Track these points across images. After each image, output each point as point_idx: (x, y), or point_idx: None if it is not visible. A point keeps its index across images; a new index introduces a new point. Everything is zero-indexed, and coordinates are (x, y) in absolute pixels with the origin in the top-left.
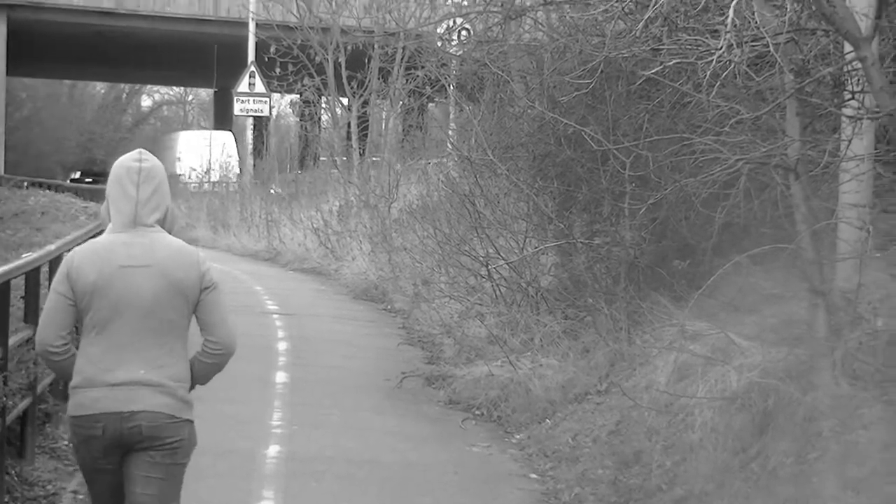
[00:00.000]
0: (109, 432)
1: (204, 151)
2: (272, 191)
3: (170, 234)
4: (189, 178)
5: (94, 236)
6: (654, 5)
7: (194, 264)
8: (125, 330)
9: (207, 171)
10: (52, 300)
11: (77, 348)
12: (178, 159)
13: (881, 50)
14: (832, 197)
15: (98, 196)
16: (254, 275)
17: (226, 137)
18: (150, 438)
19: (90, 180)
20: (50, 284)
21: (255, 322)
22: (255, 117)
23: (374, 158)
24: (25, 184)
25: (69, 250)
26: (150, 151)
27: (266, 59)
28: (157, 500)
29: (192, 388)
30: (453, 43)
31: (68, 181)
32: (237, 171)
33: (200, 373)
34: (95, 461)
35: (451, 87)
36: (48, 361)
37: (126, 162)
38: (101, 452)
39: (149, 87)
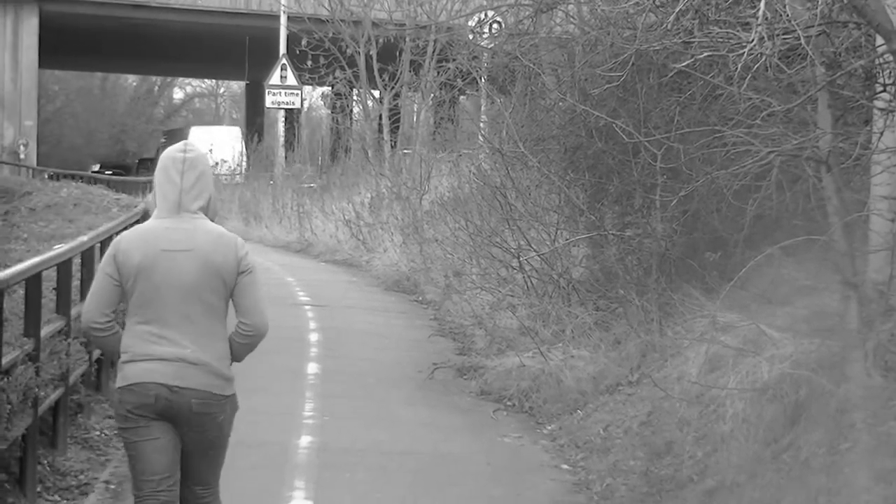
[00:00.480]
0: (161, 401)
1: (215, 146)
2: (309, 185)
3: (212, 221)
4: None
5: (125, 227)
6: None
7: (232, 249)
8: (169, 310)
9: (240, 164)
10: (99, 280)
11: (122, 327)
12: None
13: None
14: (864, 189)
15: (129, 189)
16: (286, 266)
17: (236, 133)
18: (200, 415)
19: (110, 172)
20: (81, 276)
21: (287, 313)
22: (286, 109)
23: (405, 151)
24: (54, 175)
25: (101, 242)
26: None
27: (297, 52)
28: (212, 468)
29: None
30: (484, 36)
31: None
32: (245, 166)
33: (234, 352)
34: (144, 428)
35: (483, 80)
36: (92, 337)
37: (172, 152)
38: (150, 420)
39: (180, 79)
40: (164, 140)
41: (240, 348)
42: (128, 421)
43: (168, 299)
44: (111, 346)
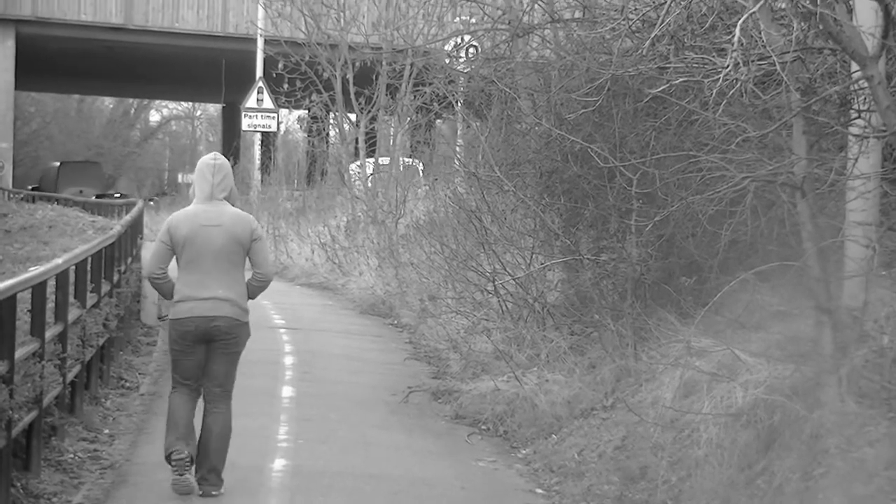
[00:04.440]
0: (200, 328)
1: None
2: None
3: (232, 205)
4: None
5: (101, 251)
6: (661, 24)
7: (248, 224)
8: (206, 265)
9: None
10: (157, 246)
11: (173, 277)
12: None
13: (888, 69)
14: (839, 215)
15: (105, 211)
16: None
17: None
18: (226, 334)
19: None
20: (56, 299)
21: (262, 336)
22: (262, 133)
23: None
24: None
25: (76, 265)
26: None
27: (274, 75)
28: (226, 371)
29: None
30: (461, 60)
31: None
32: None
33: (250, 292)
34: (187, 347)
35: (459, 104)
36: (153, 284)
37: (206, 160)
38: (192, 341)
39: (157, 102)
40: (56, 168)
41: (254, 290)
42: (176, 343)
43: (206, 258)
44: (166, 289)
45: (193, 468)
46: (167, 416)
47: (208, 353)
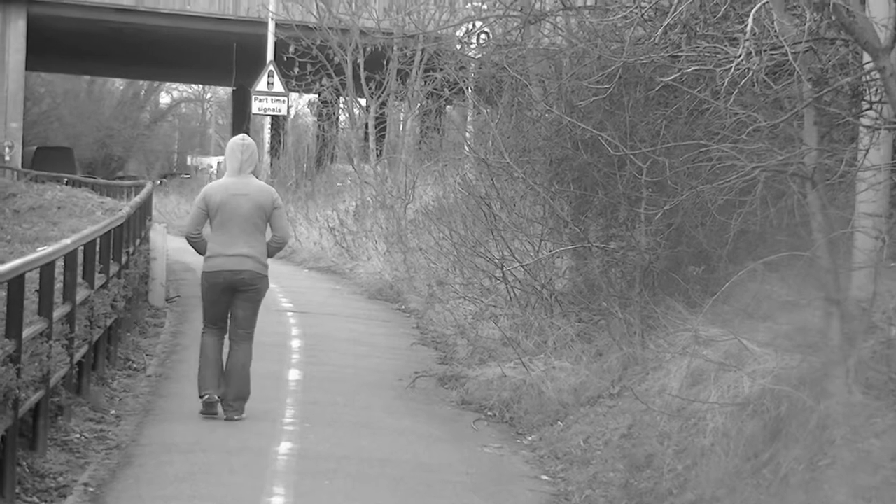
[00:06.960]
0: (227, 280)
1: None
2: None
3: (257, 178)
4: None
5: (109, 232)
6: (674, 12)
7: (270, 194)
8: (234, 228)
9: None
10: (194, 211)
11: (207, 236)
12: None
13: None
14: (848, 206)
15: (114, 192)
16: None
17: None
18: (249, 284)
19: None
20: (64, 279)
21: (269, 320)
22: (272, 116)
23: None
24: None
25: (84, 245)
26: None
27: (285, 59)
28: (249, 316)
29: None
30: (472, 46)
31: None
32: None
33: (270, 251)
34: (216, 296)
35: (469, 90)
36: (190, 243)
37: (236, 140)
38: (220, 291)
39: (167, 84)
40: (32, 152)
41: (273, 249)
42: (207, 292)
43: (234, 222)
44: (202, 247)
45: (219, 405)
46: (200, 354)
47: (233, 300)
